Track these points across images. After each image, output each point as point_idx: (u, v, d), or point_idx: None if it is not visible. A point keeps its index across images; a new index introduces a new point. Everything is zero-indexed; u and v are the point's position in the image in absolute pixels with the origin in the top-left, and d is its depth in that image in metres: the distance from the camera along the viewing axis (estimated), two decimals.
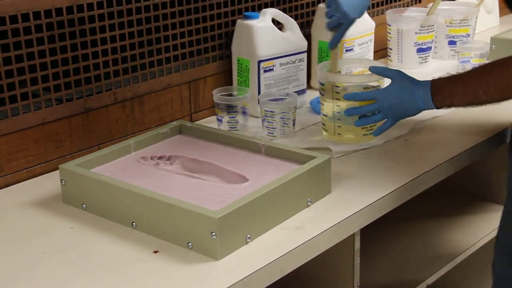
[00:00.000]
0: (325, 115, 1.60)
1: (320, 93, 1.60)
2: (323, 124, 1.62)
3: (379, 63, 1.65)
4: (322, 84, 1.58)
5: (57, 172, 1.37)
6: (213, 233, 1.12)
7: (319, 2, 1.95)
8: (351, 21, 1.56)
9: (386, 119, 1.51)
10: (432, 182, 1.47)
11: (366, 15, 1.94)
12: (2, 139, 1.42)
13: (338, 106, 1.56)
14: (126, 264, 1.14)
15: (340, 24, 1.56)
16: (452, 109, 1.50)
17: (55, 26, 1.45)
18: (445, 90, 1.39)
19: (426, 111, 1.49)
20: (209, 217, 1.13)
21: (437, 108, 1.44)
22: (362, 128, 1.56)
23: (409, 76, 1.49)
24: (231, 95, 1.68)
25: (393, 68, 1.54)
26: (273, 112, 1.60)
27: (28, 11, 1.40)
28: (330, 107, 1.57)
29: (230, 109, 1.64)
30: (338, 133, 1.58)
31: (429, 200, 1.97)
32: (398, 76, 1.48)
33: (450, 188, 2.01)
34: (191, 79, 1.74)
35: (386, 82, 1.55)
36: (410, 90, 1.44)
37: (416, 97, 1.43)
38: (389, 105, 1.47)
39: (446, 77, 1.41)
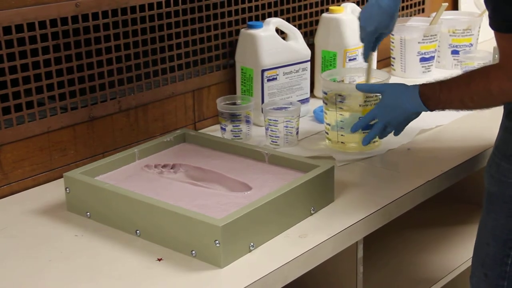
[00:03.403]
0: (328, 124, 1.60)
1: (324, 102, 1.61)
2: (326, 133, 1.62)
3: (382, 72, 1.66)
4: (325, 93, 1.59)
5: (61, 180, 1.38)
6: (217, 241, 1.13)
7: (322, 12, 1.96)
8: (370, 34, 1.55)
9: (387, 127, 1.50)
10: (435, 190, 1.48)
11: None
12: (7, 147, 1.42)
13: (341, 115, 1.57)
14: (130, 272, 1.14)
15: (363, 38, 1.58)
16: (455, 118, 1.49)
17: (60, 35, 1.46)
18: (434, 97, 1.40)
19: (429, 120, 1.48)
20: (212, 225, 1.13)
21: (431, 110, 1.43)
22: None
23: (397, 84, 1.48)
24: (234, 103, 1.69)
25: (379, 83, 1.53)
26: (277, 120, 1.60)
27: (34, 20, 1.41)
28: (333, 116, 1.58)
29: (233, 117, 1.65)
30: (341, 142, 1.59)
31: (432, 208, 1.97)
32: (386, 89, 1.48)
33: (453, 197, 2.01)
34: (195, 87, 1.75)
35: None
36: (400, 97, 1.44)
37: (406, 102, 1.43)
38: (388, 117, 1.47)
39: (432, 84, 1.40)
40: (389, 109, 1.45)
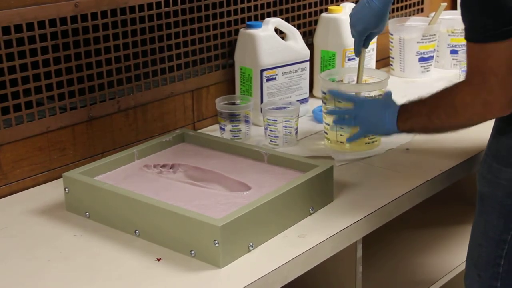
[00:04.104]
0: (328, 124, 1.60)
1: (323, 101, 1.61)
2: (325, 133, 1.63)
3: (381, 72, 1.66)
4: (324, 93, 1.59)
5: (60, 180, 1.38)
6: (216, 241, 1.13)
7: (321, 12, 1.96)
8: (359, 33, 1.57)
9: (357, 127, 1.51)
10: (434, 190, 1.48)
11: None
12: (6, 147, 1.42)
13: None
14: (129, 272, 1.14)
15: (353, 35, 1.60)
16: None
17: (59, 35, 1.46)
18: (407, 112, 1.41)
19: None
20: (212, 225, 1.13)
21: (400, 131, 1.43)
22: (365, 137, 1.57)
23: (375, 102, 1.50)
24: (234, 103, 1.69)
25: (353, 96, 1.54)
26: (276, 120, 1.61)
27: (33, 20, 1.41)
28: (332, 116, 1.58)
29: (233, 117, 1.65)
30: (340, 142, 1.59)
31: (432, 208, 1.98)
32: (361, 102, 1.50)
33: (453, 197, 2.01)
34: (194, 87, 1.75)
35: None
36: (380, 112, 1.45)
37: (386, 119, 1.44)
38: (362, 115, 1.48)
39: (413, 100, 1.41)
40: (371, 125, 1.48)
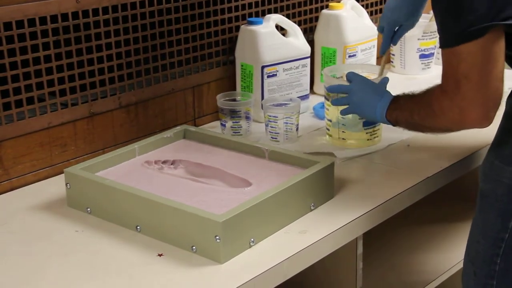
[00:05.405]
0: (330, 120, 1.60)
1: (325, 98, 1.61)
2: (327, 129, 1.63)
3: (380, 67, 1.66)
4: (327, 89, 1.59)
5: (62, 176, 1.38)
6: (217, 237, 1.13)
7: (322, 8, 1.96)
8: (391, 23, 1.58)
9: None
10: (435, 187, 1.48)
11: (368, 21, 1.95)
12: (7, 143, 1.43)
13: None
14: (131, 267, 1.15)
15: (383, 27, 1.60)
16: None
17: (60, 31, 1.46)
18: (396, 103, 1.43)
19: None
20: (213, 221, 1.13)
21: (387, 121, 1.45)
22: (366, 133, 1.57)
23: (372, 86, 1.51)
24: (234, 100, 1.69)
25: (347, 84, 1.54)
26: (277, 117, 1.61)
27: (34, 16, 1.41)
28: (335, 112, 1.58)
29: (233, 114, 1.65)
30: (342, 138, 1.59)
31: (433, 204, 1.98)
32: (358, 84, 1.51)
33: (454, 194, 2.01)
34: (195, 84, 1.75)
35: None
36: (373, 101, 1.46)
37: (377, 108, 1.45)
38: (355, 101, 1.50)
39: (405, 93, 1.43)
40: (362, 112, 1.51)
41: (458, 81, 1.22)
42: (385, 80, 1.54)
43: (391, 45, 1.64)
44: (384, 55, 1.63)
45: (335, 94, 1.55)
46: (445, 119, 1.30)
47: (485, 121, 1.25)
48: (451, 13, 1.19)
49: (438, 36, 1.26)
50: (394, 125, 1.46)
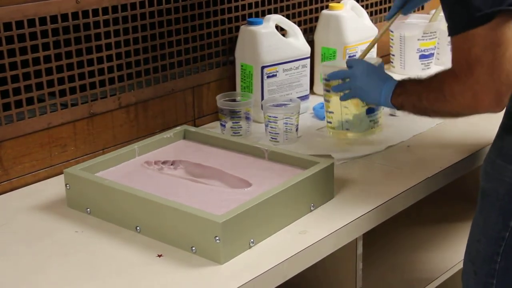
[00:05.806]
0: (331, 112, 1.62)
1: (325, 90, 1.61)
2: (329, 123, 1.63)
3: (376, 59, 1.66)
4: (327, 80, 1.59)
5: (61, 176, 1.38)
6: (217, 238, 1.13)
7: (322, 9, 1.96)
8: None
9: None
10: (435, 187, 1.48)
11: (368, 21, 1.95)
12: (7, 144, 1.43)
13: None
14: (130, 268, 1.15)
15: None
16: None
17: (60, 31, 1.46)
18: (402, 87, 1.43)
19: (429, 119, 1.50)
20: (212, 222, 1.13)
21: (392, 105, 1.45)
22: (370, 121, 1.60)
23: (375, 70, 1.52)
24: (234, 100, 1.69)
25: (347, 70, 1.55)
26: (276, 117, 1.61)
27: (34, 16, 1.41)
28: (337, 101, 1.59)
29: (233, 114, 1.65)
30: (346, 128, 1.60)
31: (433, 204, 1.98)
32: (360, 69, 1.51)
33: (454, 194, 2.01)
34: (195, 84, 1.75)
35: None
36: (378, 85, 1.46)
37: (382, 92, 1.46)
38: (358, 86, 1.51)
39: (411, 78, 1.44)
40: (366, 96, 1.52)
41: (471, 65, 1.22)
42: (383, 65, 1.55)
43: (402, 15, 1.62)
44: (388, 21, 1.62)
45: (336, 81, 1.56)
46: (456, 104, 1.29)
47: (498, 106, 1.24)
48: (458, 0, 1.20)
49: (447, 26, 1.26)
50: (398, 109, 1.46)
